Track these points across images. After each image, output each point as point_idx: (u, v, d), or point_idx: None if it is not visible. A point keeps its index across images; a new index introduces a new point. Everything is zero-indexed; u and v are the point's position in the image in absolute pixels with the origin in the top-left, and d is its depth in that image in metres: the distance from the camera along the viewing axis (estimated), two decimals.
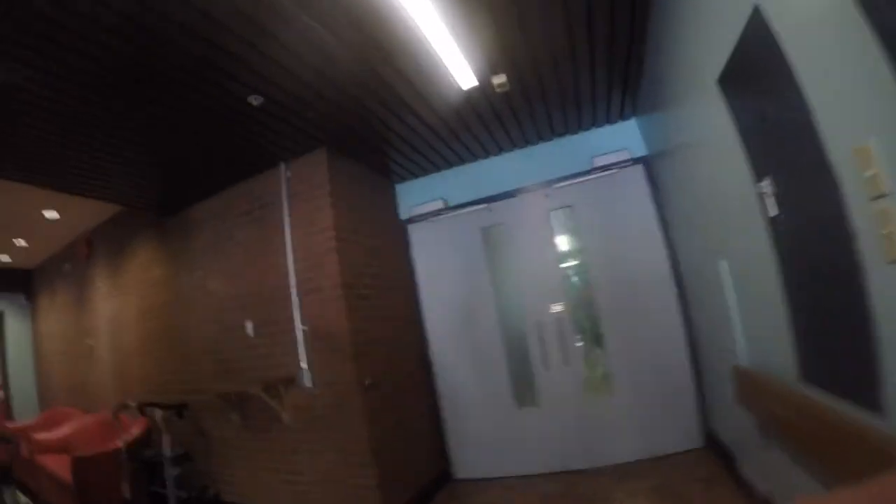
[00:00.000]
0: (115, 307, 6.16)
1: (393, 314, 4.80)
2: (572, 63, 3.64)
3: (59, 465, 4.78)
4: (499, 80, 3.62)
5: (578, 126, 4.80)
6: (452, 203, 5.26)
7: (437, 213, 5.28)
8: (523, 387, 4.88)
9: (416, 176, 5.43)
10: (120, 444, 4.67)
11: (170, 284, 5.37)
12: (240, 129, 3.79)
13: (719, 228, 2.86)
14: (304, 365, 4.12)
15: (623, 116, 4.74)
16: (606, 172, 4.72)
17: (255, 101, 3.38)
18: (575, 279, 4.92)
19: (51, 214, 5.97)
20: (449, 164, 5.27)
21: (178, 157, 4.15)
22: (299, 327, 4.17)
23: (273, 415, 4.26)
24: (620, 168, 4.68)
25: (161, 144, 3.89)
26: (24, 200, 5.18)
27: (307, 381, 4.10)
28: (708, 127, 2.62)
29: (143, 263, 5.74)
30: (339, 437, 4.00)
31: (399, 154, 4.79)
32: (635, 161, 4.64)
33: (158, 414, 4.56)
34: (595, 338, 4.74)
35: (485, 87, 3.71)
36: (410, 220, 5.42)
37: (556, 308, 4.75)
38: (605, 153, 4.71)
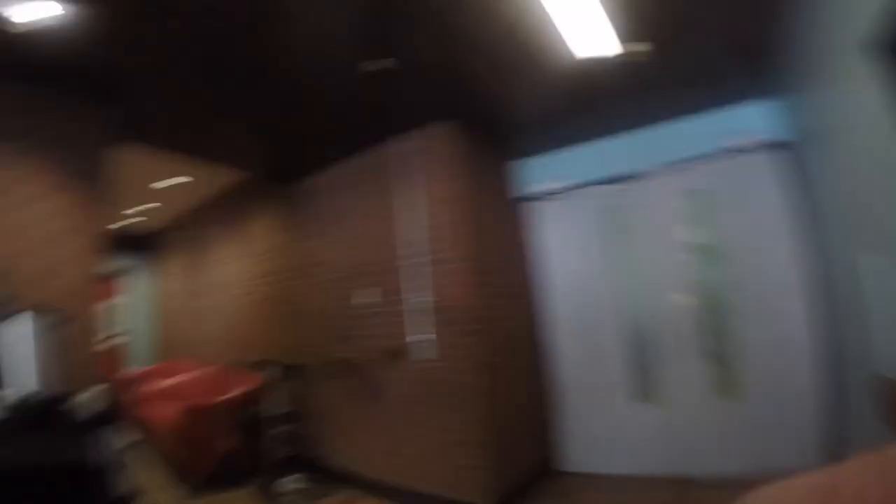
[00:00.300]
0: (233, 270, 6.41)
1: (511, 293, 4.66)
2: (714, 34, 3.30)
3: (167, 414, 4.98)
4: (636, 48, 3.32)
5: (714, 105, 4.38)
6: (576, 182, 4.99)
7: (560, 191, 5.05)
8: (643, 380, 4.57)
9: (540, 152, 5.19)
10: (228, 397, 4.86)
11: (287, 251, 5.50)
12: (367, 94, 3.72)
13: (880, 219, 2.43)
14: (419, 337, 4.07)
15: (764, 96, 4.22)
16: (742, 156, 4.29)
17: (382, 65, 3.30)
18: (703, 270, 4.50)
19: (176, 180, 6.21)
20: (575, 141, 4.99)
21: (304, 122, 4.16)
22: (417, 299, 4.12)
23: (383, 385, 4.24)
24: (757, 152, 4.23)
25: (288, 108, 3.90)
26: (152, 165, 5.40)
27: (421, 353, 4.05)
28: (872, 104, 2.22)
29: (266, 226, 5.88)
30: (449, 414, 3.92)
31: (525, 128, 4.61)
32: (773, 145, 4.17)
33: (270, 372, 4.65)
34: (722, 335, 4.32)
35: (620, 57, 3.41)
36: (532, 198, 5.19)
37: (682, 300, 4.41)
38: (742, 135, 4.26)
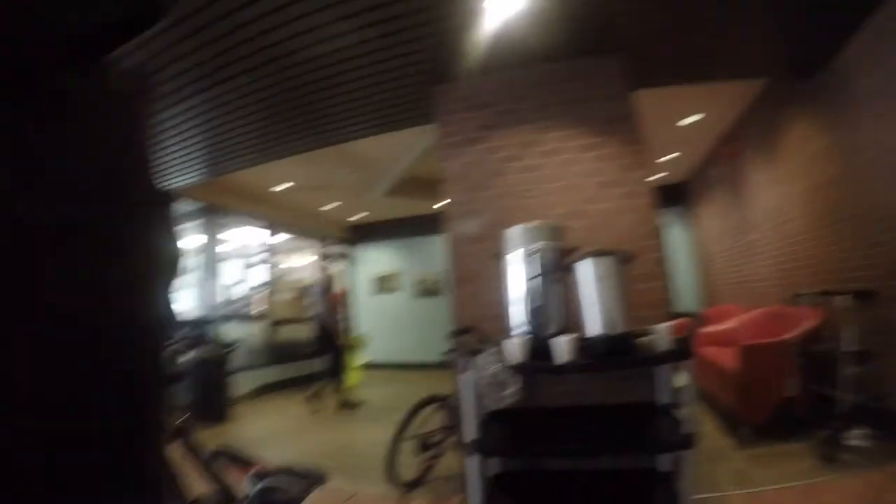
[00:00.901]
0: (775, 195, 5.83)
1: None
2: None
3: (722, 357, 4.80)
4: None
5: None
6: None
7: None
8: None
9: None
10: (787, 337, 4.36)
11: (834, 153, 4.56)
12: None
13: None
14: None
15: None
16: None
17: None
18: None
19: (693, 118, 6.13)
20: None
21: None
22: None
23: None
24: None
25: None
26: (668, 109, 5.36)
27: None
28: None
29: (798, 139, 5.12)
30: None
31: None
32: None
33: (837, 303, 3.99)
34: None
35: None
36: None
37: None
38: None
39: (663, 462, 3.06)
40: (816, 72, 4.51)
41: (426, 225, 10.48)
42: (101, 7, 0.44)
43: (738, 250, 7.09)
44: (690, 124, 6.24)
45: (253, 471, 0.90)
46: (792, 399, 4.15)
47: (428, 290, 10.73)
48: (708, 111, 5.94)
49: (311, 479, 1.09)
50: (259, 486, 0.94)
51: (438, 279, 10.65)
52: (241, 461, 0.90)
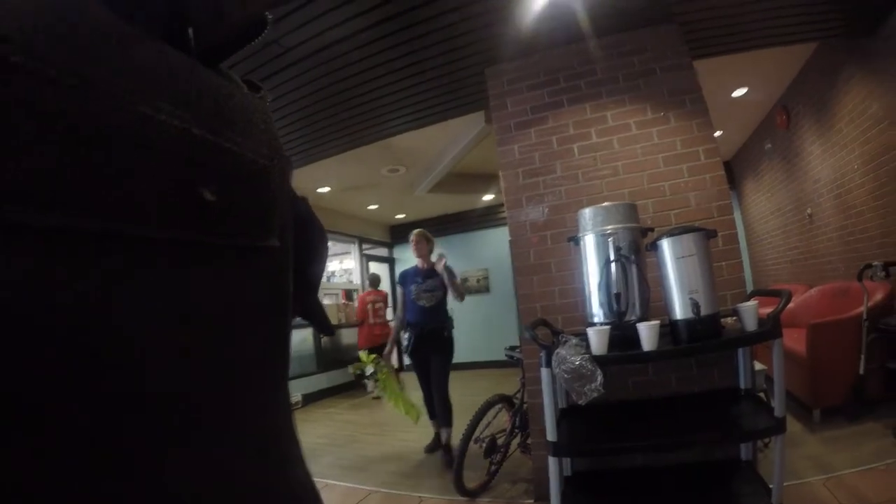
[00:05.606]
0: (833, 165, 5.58)
1: None
2: None
3: (786, 338, 4.59)
4: None
5: None
6: None
7: None
8: None
9: None
10: (854, 312, 4.15)
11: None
12: None
13: None
14: None
15: None
16: None
17: None
18: None
19: (738, 93, 5.91)
20: None
21: None
22: None
23: None
24: None
25: None
26: (708, 85, 5.20)
27: None
28: None
29: (855, 103, 4.87)
30: None
31: None
32: None
33: None
34: None
35: None
36: None
37: None
38: None
39: (745, 451, 2.93)
40: (874, 29, 4.26)
41: (469, 221, 10.51)
42: (225, 16, 0.45)
43: (794, 227, 6.89)
44: (732, 101, 6.05)
45: None
46: (863, 377, 3.96)
47: (474, 288, 10.54)
48: (751, 85, 5.74)
49: None
50: None
51: (485, 276, 10.51)
52: None
